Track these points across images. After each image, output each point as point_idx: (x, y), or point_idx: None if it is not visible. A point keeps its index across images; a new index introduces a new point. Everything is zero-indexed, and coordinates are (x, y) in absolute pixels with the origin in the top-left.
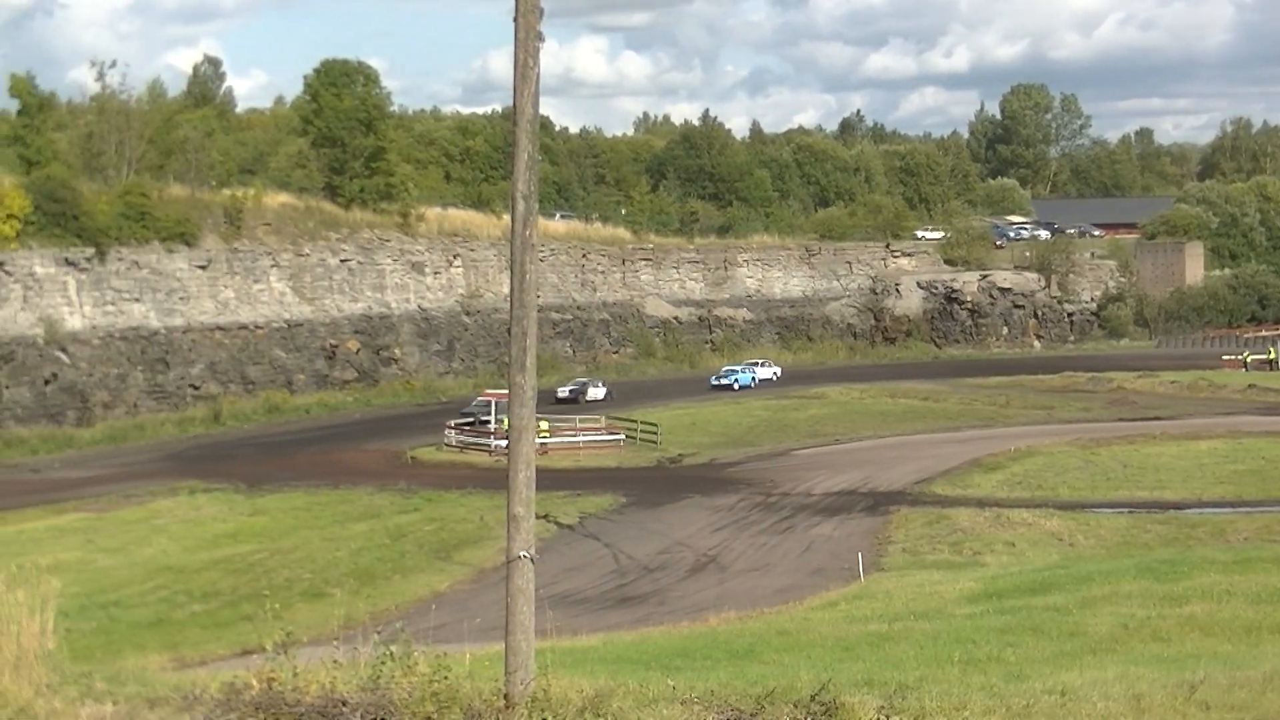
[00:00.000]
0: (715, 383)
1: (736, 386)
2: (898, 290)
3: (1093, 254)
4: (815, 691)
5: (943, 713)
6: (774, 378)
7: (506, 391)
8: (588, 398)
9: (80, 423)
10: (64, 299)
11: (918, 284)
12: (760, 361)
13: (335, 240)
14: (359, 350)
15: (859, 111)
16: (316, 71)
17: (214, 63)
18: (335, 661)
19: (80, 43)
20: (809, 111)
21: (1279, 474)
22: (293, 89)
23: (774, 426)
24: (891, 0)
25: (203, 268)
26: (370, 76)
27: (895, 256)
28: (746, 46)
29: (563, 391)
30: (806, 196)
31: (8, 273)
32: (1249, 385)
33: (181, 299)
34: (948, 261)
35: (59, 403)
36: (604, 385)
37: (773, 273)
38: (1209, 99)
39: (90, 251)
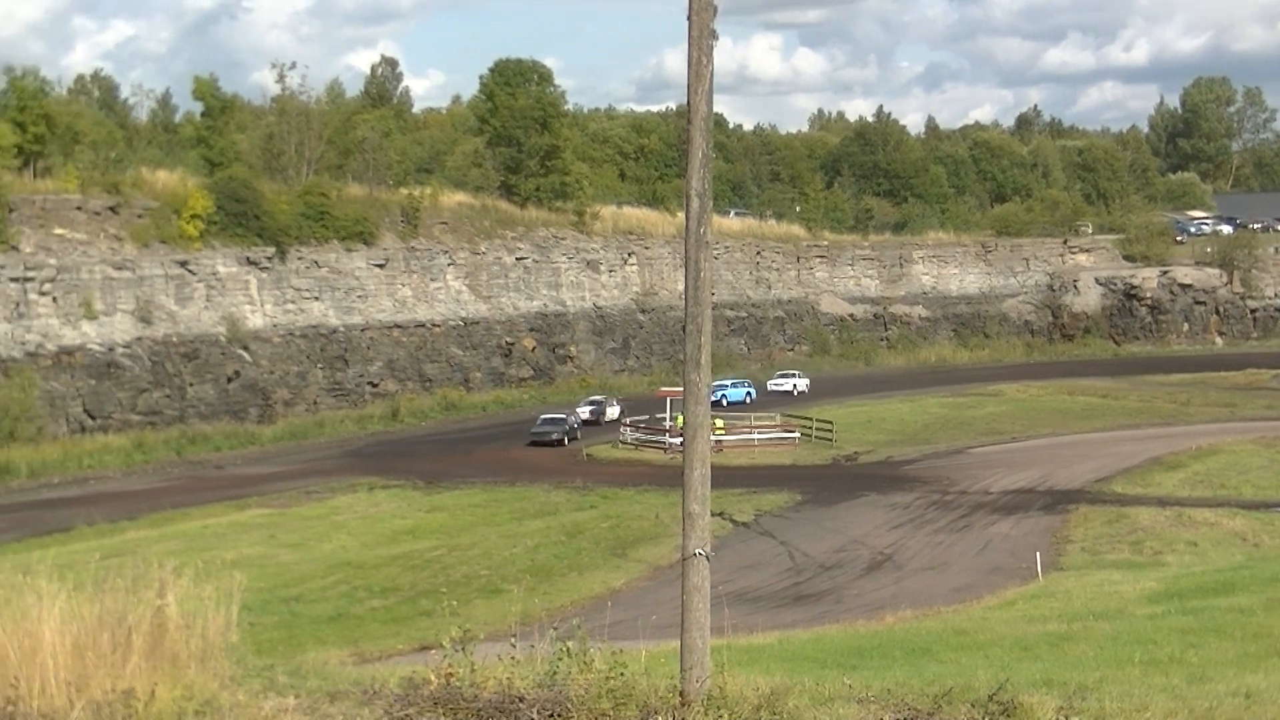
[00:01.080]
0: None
1: (725, 403)
2: (1076, 287)
3: (1277, 249)
4: (993, 691)
5: (1123, 714)
6: (795, 391)
7: (681, 389)
8: (606, 417)
9: (262, 419)
10: (246, 298)
11: (1096, 280)
12: (793, 372)
13: (511, 239)
14: (535, 348)
15: (1036, 106)
16: (492, 71)
17: (391, 63)
18: (512, 658)
19: (262, 45)
20: (985, 107)
21: None
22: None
23: (950, 424)
24: None
25: (380, 266)
26: (545, 75)
27: (1073, 253)
28: (922, 42)
29: (584, 413)
30: (982, 193)
31: (192, 272)
32: None
33: (360, 297)
34: (1127, 257)
35: (241, 400)
36: (618, 403)
37: (948, 269)
38: None
39: (271, 251)
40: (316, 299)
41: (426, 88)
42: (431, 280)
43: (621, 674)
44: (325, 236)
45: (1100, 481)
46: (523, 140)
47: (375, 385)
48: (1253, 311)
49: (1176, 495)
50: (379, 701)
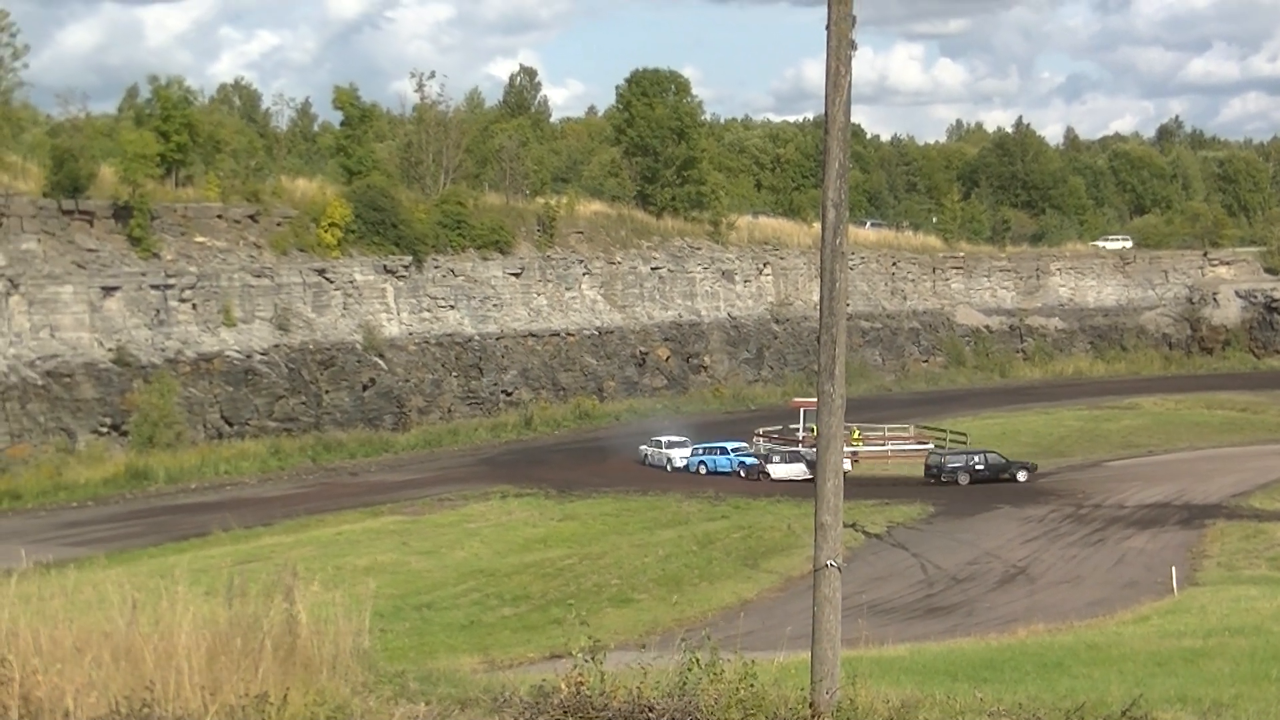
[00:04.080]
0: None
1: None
2: (1215, 299)
3: None
4: (1126, 706)
5: None
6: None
7: (815, 400)
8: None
9: (397, 427)
10: (382, 306)
11: (1236, 293)
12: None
13: (646, 248)
14: (669, 357)
15: (1177, 117)
16: (628, 81)
17: (530, 73)
18: (643, 667)
19: (404, 55)
20: (1126, 118)
21: None
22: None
23: (1086, 437)
24: (1215, 3)
25: (516, 275)
26: (682, 85)
27: (1213, 265)
28: (1063, 52)
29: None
30: (1122, 204)
31: (329, 280)
32: None
33: (495, 306)
34: (1268, 270)
35: (376, 407)
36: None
37: (1086, 281)
38: None
39: (408, 259)
40: (452, 307)
41: (565, 97)
42: (566, 289)
43: (752, 685)
44: (462, 245)
45: (1238, 496)
46: (659, 150)
47: (509, 394)
48: None
49: None
50: (509, 709)
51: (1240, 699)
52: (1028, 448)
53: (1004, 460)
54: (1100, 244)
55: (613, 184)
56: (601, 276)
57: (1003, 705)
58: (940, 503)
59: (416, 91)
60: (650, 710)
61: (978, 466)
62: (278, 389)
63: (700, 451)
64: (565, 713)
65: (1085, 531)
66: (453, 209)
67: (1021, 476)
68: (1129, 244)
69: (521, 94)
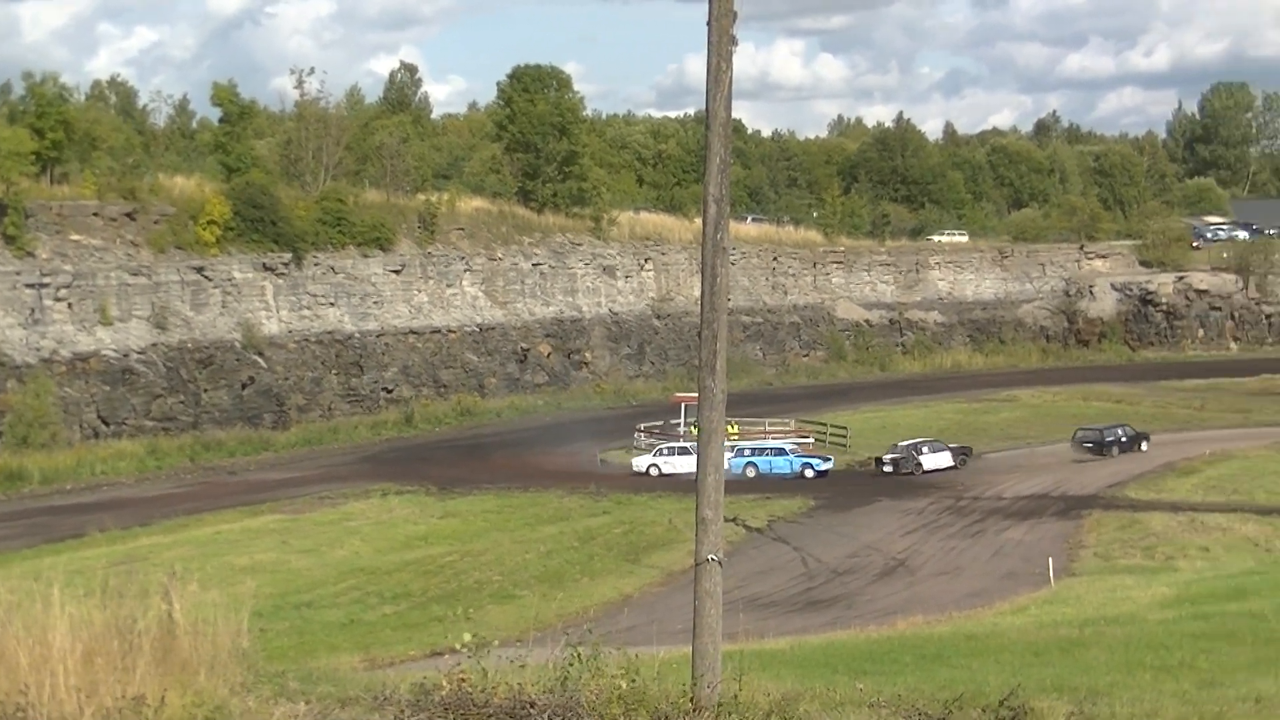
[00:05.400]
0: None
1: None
2: (1091, 292)
3: None
4: (1004, 696)
5: (1134, 719)
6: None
7: (697, 395)
8: None
9: (276, 425)
10: (262, 304)
11: (1112, 286)
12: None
13: (528, 244)
14: (550, 354)
15: (1055, 112)
16: (510, 77)
17: (410, 69)
18: (524, 663)
19: (285, 51)
20: (1004, 113)
21: None
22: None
23: (965, 429)
24: None
25: (397, 272)
26: (563, 81)
27: (1089, 258)
28: (943, 48)
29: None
30: (1000, 198)
31: (208, 278)
32: None
33: (376, 303)
34: (1143, 263)
35: (256, 406)
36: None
37: (965, 275)
38: None
39: (288, 257)
40: (332, 305)
41: (447, 94)
42: (448, 286)
43: (633, 680)
44: (342, 242)
45: (1114, 487)
46: (541, 146)
47: (390, 391)
48: (1268, 317)
49: (1190, 500)
50: (390, 707)
51: (1115, 687)
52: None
53: (1136, 432)
54: (936, 238)
55: (494, 180)
56: (483, 273)
57: (882, 696)
58: (821, 497)
59: (296, 88)
60: (532, 706)
61: (1124, 439)
62: (155, 388)
63: (749, 453)
64: (446, 710)
65: (964, 523)
66: (333, 206)
67: (1145, 446)
68: (965, 238)
69: (402, 90)
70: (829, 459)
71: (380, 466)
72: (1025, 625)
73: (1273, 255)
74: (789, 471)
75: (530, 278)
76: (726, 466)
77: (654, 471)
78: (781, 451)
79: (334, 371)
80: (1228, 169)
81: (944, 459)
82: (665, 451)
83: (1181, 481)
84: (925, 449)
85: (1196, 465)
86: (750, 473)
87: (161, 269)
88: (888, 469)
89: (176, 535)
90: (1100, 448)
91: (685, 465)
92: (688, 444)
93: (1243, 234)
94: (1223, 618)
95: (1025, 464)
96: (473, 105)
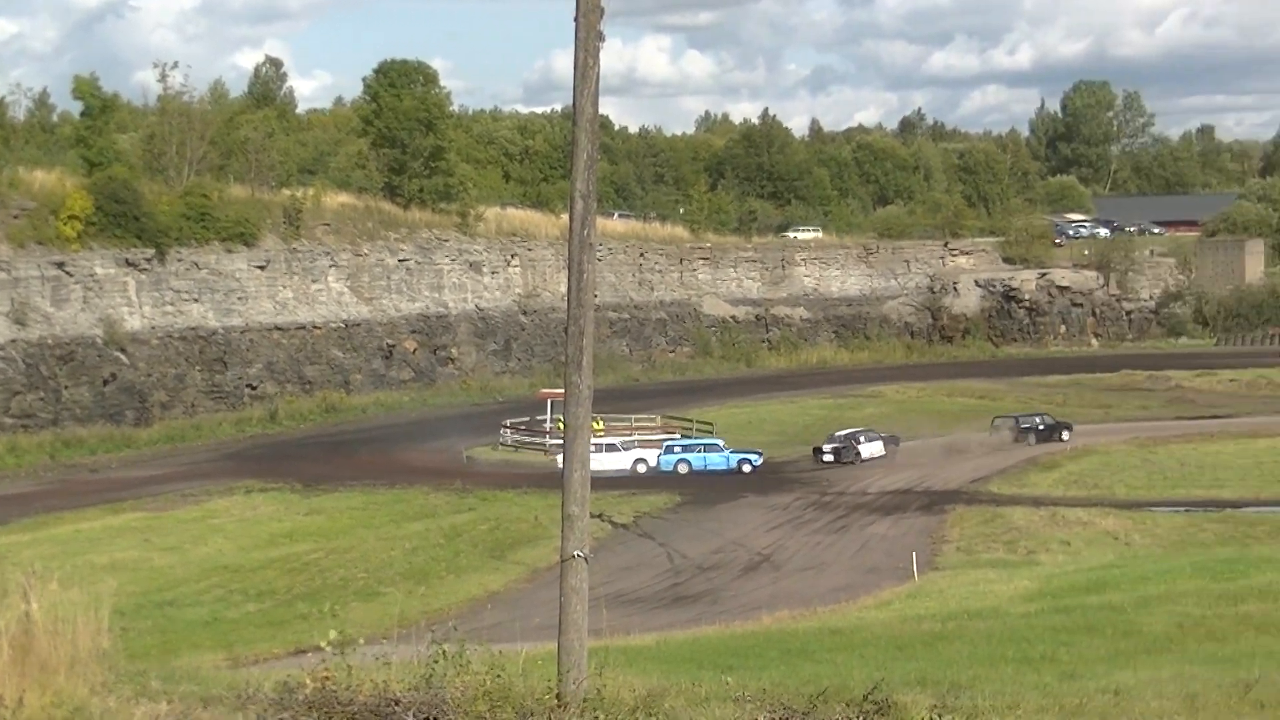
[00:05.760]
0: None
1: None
2: (955, 289)
3: (1152, 252)
4: (868, 690)
5: (996, 712)
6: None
7: (563, 391)
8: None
9: (139, 423)
10: (124, 299)
11: (976, 282)
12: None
13: (394, 240)
14: (416, 350)
15: (920, 110)
16: (376, 72)
17: (275, 64)
18: (389, 661)
19: (148, 44)
20: (870, 110)
21: None
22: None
23: (830, 425)
24: None
25: (261, 268)
26: (430, 76)
27: (953, 255)
28: (809, 45)
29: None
30: (865, 195)
31: (69, 274)
32: None
33: (240, 299)
34: (1006, 260)
35: (118, 403)
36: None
37: (830, 271)
38: (1274, 95)
39: (150, 252)
40: (196, 301)
41: (314, 89)
42: (313, 282)
43: (499, 676)
44: (206, 238)
45: (977, 482)
46: (407, 141)
47: (254, 388)
48: (1128, 314)
49: (1051, 495)
50: (253, 706)
51: (978, 680)
52: (773, 436)
53: (1055, 421)
54: (791, 234)
55: (360, 176)
56: (348, 269)
57: (748, 691)
58: (687, 492)
59: (160, 82)
60: (396, 704)
61: (1040, 427)
62: (14, 385)
63: (679, 450)
64: (310, 708)
65: (829, 518)
66: (197, 201)
67: (1066, 436)
68: (819, 234)
69: (267, 85)
70: (760, 453)
71: (244, 464)
72: (889, 619)
73: (1133, 252)
74: (724, 467)
75: (396, 273)
76: (656, 464)
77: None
78: (715, 447)
79: (197, 368)
80: (1089, 167)
81: (878, 448)
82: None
83: (1043, 476)
84: (862, 438)
85: (1058, 460)
86: (683, 469)
87: (21, 264)
88: (828, 458)
89: (36, 534)
90: (1016, 434)
91: (603, 462)
92: (609, 440)
93: (1104, 231)
94: (1083, 611)
95: (890, 459)
96: (339, 100)
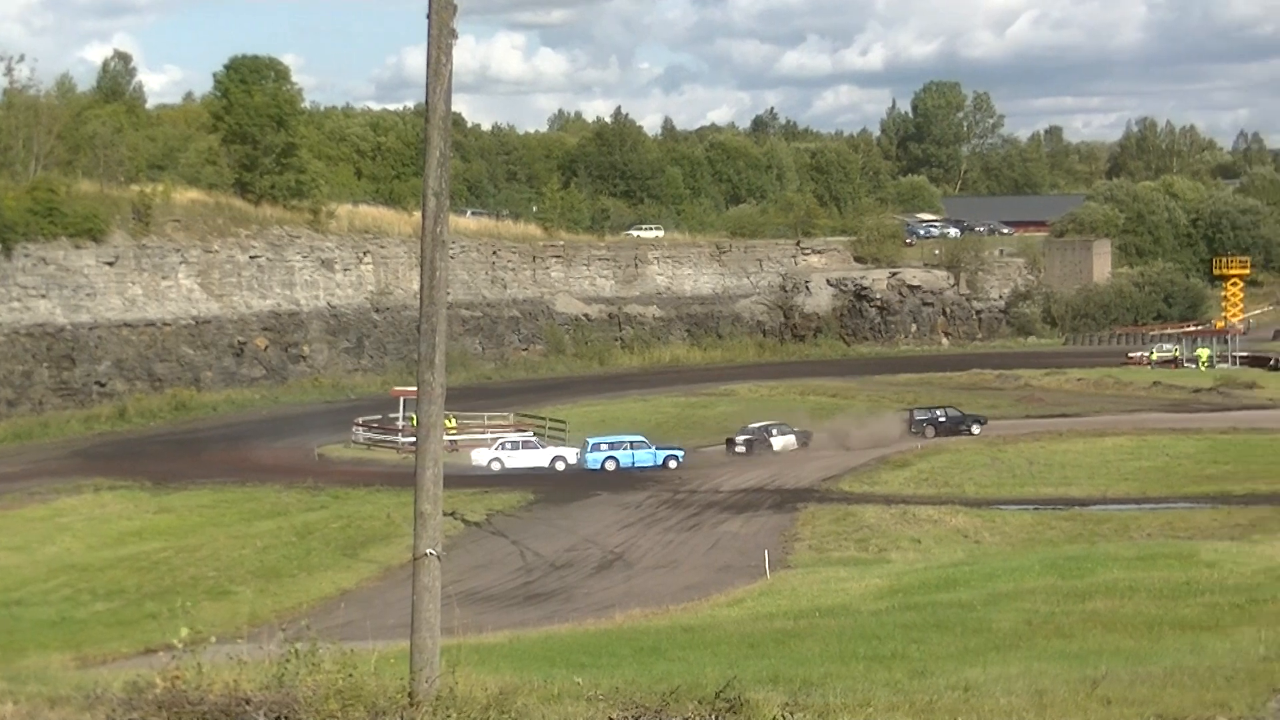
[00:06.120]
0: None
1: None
2: (807, 288)
3: (1001, 251)
4: (720, 688)
5: (847, 709)
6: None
7: (415, 389)
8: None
9: None
10: None
11: (827, 281)
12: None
13: (245, 237)
14: (267, 347)
15: (772, 109)
16: (227, 68)
17: (124, 58)
18: (241, 660)
19: None
20: (723, 109)
21: (1183, 470)
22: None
23: (682, 423)
24: None
25: (110, 264)
26: (281, 72)
27: (805, 254)
28: (662, 44)
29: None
30: (718, 194)
31: None
32: (1154, 382)
33: (89, 295)
34: (858, 259)
35: None
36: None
37: (683, 270)
38: (1121, 97)
39: None
40: (43, 297)
41: (163, 83)
42: (163, 278)
43: (350, 675)
44: (54, 233)
45: (828, 480)
46: (258, 138)
47: (103, 385)
48: (978, 313)
49: (902, 493)
50: (101, 706)
51: (829, 677)
52: (626, 434)
53: (961, 414)
54: (633, 233)
55: (210, 172)
56: (199, 265)
57: (600, 690)
58: (540, 490)
59: (5, 76)
60: (247, 703)
61: (940, 420)
62: None
63: (606, 447)
64: (160, 708)
65: (681, 516)
66: (44, 196)
67: (976, 430)
68: (661, 233)
69: (116, 79)
70: (683, 450)
71: (93, 462)
72: (741, 617)
73: (982, 252)
74: (652, 463)
75: (247, 270)
76: (579, 461)
77: (496, 466)
78: (643, 444)
79: (45, 365)
80: (940, 167)
81: (791, 441)
82: (508, 446)
83: (894, 475)
84: (775, 430)
85: (909, 458)
86: (610, 466)
87: None
88: (740, 450)
89: None
90: (921, 425)
91: (528, 459)
92: (532, 438)
93: (954, 231)
94: (933, 608)
95: (742, 458)
96: (189, 96)
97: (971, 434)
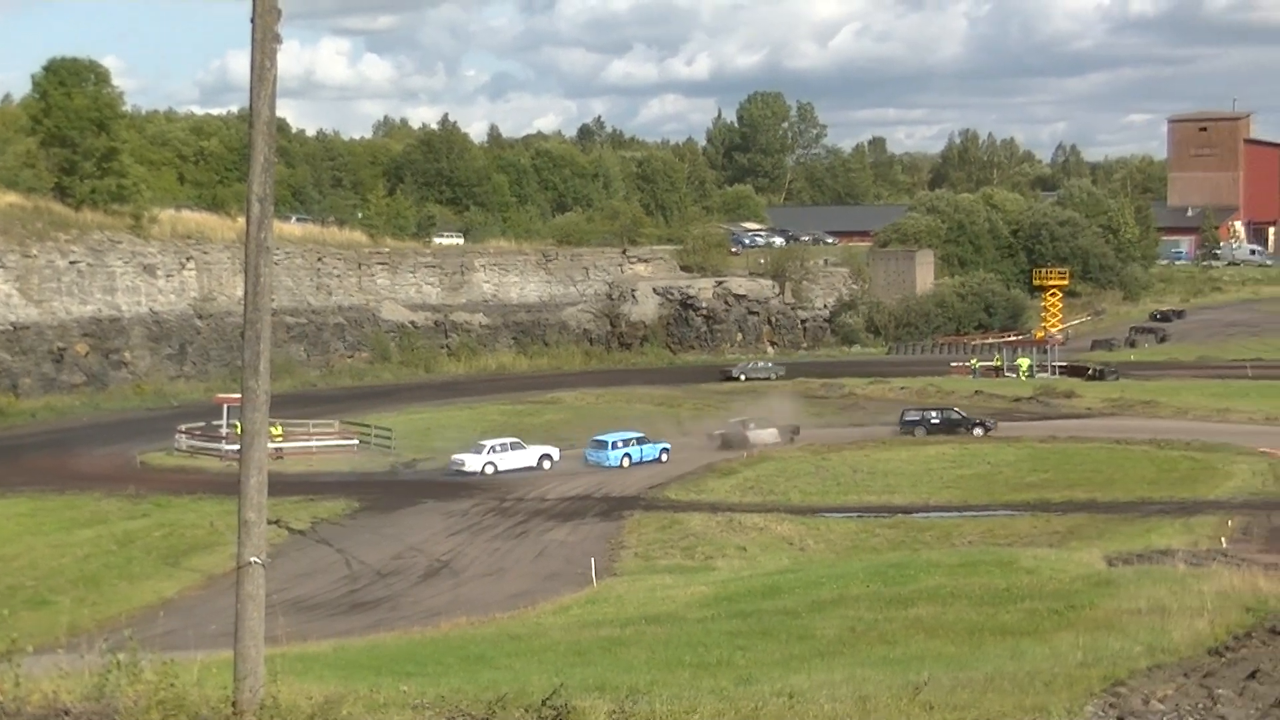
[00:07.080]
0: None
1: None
2: (634, 296)
3: (826, 261)
4: (547, 696)
5: (673, 717)
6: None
7: (239, 396)
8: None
9: None
10: None
11: (654, 290)
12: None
13: (64, 241)
14: (88, 353)
15: (599, 117)
16: (45, 69)
17: None
18: (59, 670)
19: None
20: (549, 117)
21: (1003, 478)
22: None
23: (509, 431)
24: (636, 7)
25: None
26: (102, 75)
27: (632, 263)
28: (489, 51)
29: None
30: (545, 202)
31: None
32: (976, 391)
33: None
34: (684, 268)
35: None
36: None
37: (510, 278)
38: (942, 110)
39: None
40: None
41: None
42: None
43: (172, 685)
44: None
45: (655, 488)
46: (78, 141)
47: None
48: (803, 322)
49: (728, 501)
50: None
51: (656, 685)
52: (452, 442)
53: (961, 415)
54: (437, 240)
55: (29, 175)
56: (16, 270)
57: (426, 698)
58: (366, 498)
59: None
60: (67, 714)
61: (933, 420)
62: None
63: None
64: None
65: (508, 524)
66: None
67: (978, 432)
68: (460, 240)
69: None
70: (669, 445)
71: None
72: (568, 625)
73: (807, 262)
74: (653, 457)
75: (67, 275)
76: (604, 462)
77: (489, 470)
78: (646, 440)
79: None
80: (765, 176)
81: (772, 435)
82: (498, 449)
83: (721, 482)
84: (752, 425)
85: (735, 466)
86: (626, 463)
87: None
88: (717, 444)
89: None
90: (910, 426)
91: (519, 460)
92: (513, 440)
93: (779, 240)
94: (758, 615)
95: (570, 466)
96: (6, 98)
97: (973, 436)
